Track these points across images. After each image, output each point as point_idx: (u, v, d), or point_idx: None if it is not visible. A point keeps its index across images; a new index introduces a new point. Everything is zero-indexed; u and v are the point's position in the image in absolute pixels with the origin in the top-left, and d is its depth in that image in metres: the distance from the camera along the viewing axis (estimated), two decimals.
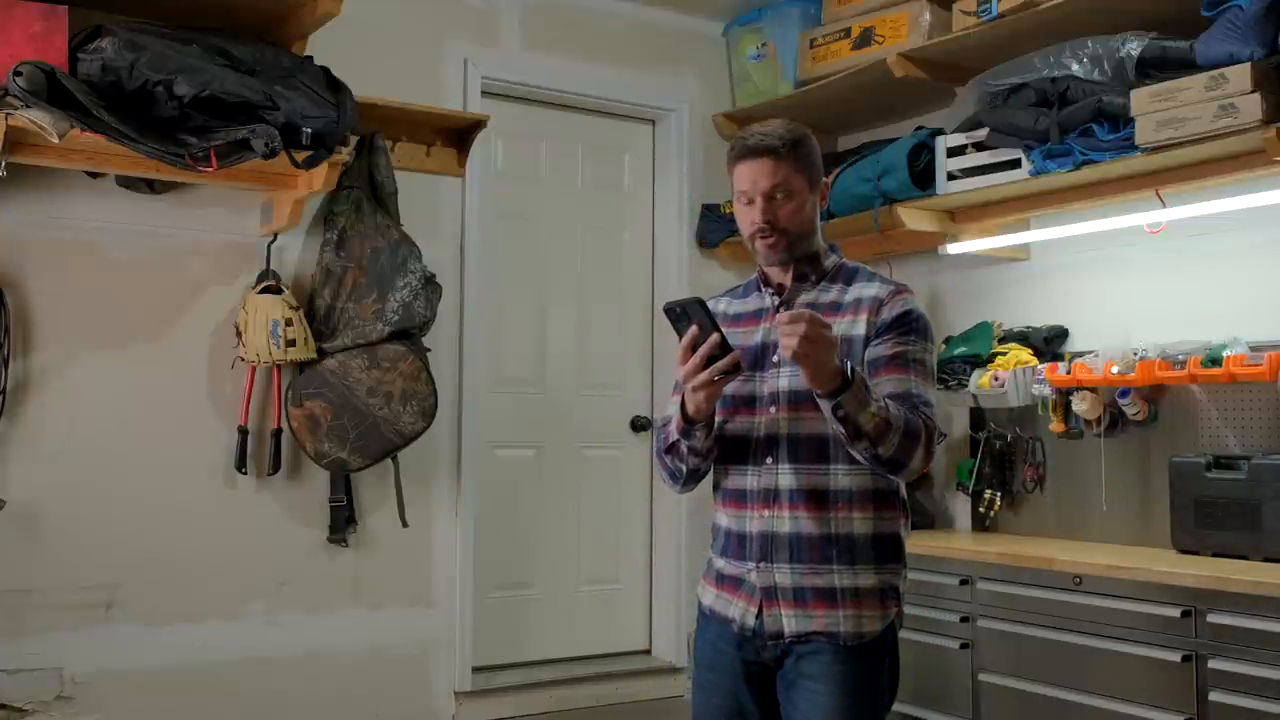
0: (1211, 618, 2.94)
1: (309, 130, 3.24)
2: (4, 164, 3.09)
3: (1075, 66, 3.35)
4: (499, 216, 4.36)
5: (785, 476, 2.08)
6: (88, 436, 3.50)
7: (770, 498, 2.09)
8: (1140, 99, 3.14)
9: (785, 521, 2.08)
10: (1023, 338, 3.95)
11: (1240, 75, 2.93)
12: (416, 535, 3.98)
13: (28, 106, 2.94)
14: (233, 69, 3.21)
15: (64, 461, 3.46)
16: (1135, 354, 3.46)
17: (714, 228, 4.60)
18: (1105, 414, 3.68)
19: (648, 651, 4.62)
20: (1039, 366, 3.78)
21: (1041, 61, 3.46)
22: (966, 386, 3.91)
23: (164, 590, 3.58)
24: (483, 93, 4.22)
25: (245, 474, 3.69)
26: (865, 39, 4.15)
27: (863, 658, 2.08)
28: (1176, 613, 3.01)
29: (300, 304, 3.66)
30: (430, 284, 3.78)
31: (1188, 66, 3.10)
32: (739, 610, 2.12)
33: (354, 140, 3.59)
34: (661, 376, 4.57)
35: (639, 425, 4.59)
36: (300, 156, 3.27)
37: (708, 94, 4.72)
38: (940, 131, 3.88)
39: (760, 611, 2.09)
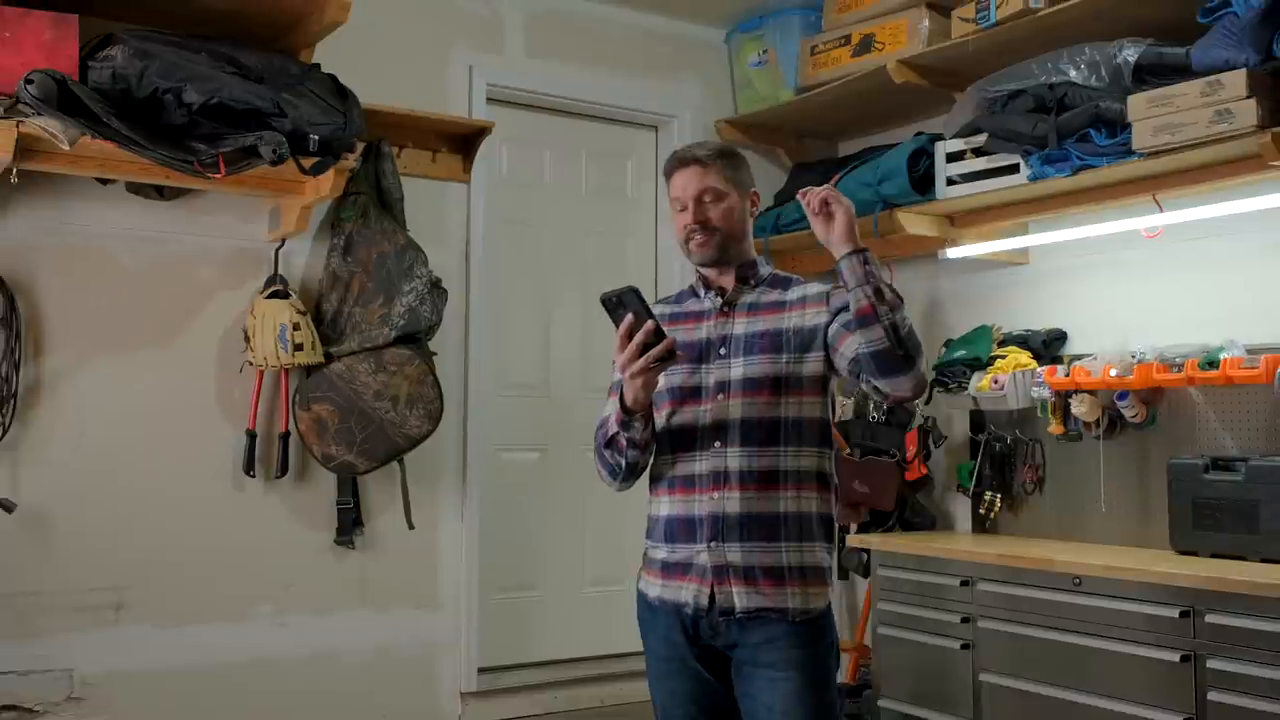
0: (1210, 618, 2.97)
1: (316, 137, 3.26)
2: (15, 171, 3.13)
3: (1073, 73, 3.38)
4: (503, 222, 4.39)
5: (735, 459, 2.15)
6: (98, 440, 3.53)
7: (720, 479, 2.16)
8: (1137, 104, 3.17)
9: (735, 502, 2.14)
10: (1022, 341, 3.97)
11: (1236, 81, 2.96)
12: (422, 537, 4.01)
13: (39, 114, 2.96)
14: (241, 77, 3.23)
15: (74, 465, 3.49)
16: (1133, 357, 3.48)
17: None
18: (1104, 416, 3.71)
19: None
20: (1038, 369, 3.81)
21: (1039, 68, 3.49)
22: (966, 389, 3.94)
23: (173, 592, 3.61)
24: (487, 99, 4.26)
25: (253, 477, 3.72)
26: (865, 46, 4.19)
27: (812, 638, 2.15)
28: (1175, 613, 3.03)
29: (308, 308, 3.70)
30: (436, 289, 3.81)
31: (1184, 72, 3.13)
32: (690, 593, 2.17)
33: (360, 147, 3.61)
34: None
35: None
36: (307, 163, 3.30)
37: (710, 100, 4.75)
38: (940, 137, 3.90)
39: (712, 591, 2.14)
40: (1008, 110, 3.60)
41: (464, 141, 4.07)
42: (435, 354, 3.84)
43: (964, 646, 3.60)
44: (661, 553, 2.24)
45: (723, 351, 2.22)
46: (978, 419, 4.16)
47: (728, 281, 2.29)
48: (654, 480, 2.28)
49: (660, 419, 2.22)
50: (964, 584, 3.62)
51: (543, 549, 4.47)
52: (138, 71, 3.08)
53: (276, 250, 3.76)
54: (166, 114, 3.11)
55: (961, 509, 4.28)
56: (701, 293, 2.32)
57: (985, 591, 3.56)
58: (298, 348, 3.60)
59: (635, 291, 2.06)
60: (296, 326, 3.60)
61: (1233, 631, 2.92)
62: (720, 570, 2.14)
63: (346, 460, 3.71)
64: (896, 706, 3.83)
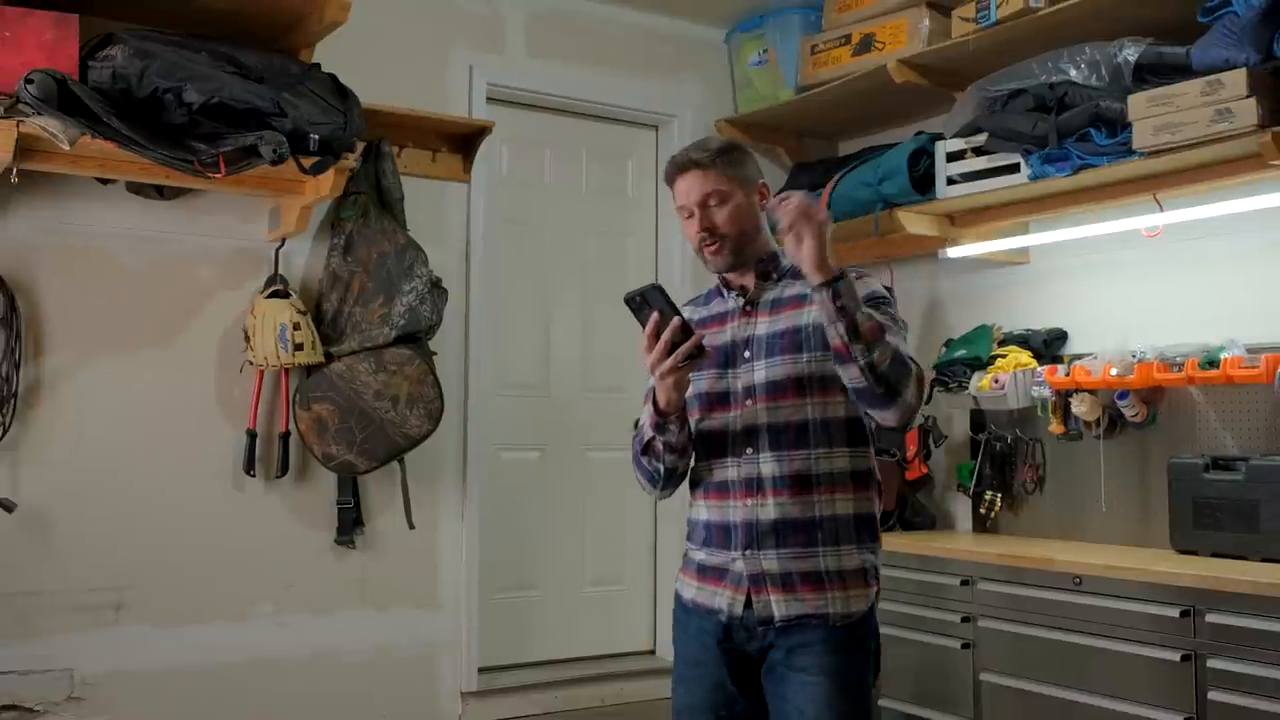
0: (1210, 617, 2.97)
1: (316, 137, 3.26)
2: (15, 171, 3.13)
3: (1073, 72, 3.38)
4: (504, 221, 4.40)
5: (767, 465, 2.13)
6: (98, 440, 3.53)
7: (753, 486, 2.14)
8: (1137, 104, 3.17)
9: (770, 508, 2.12)
10: (1022, 340, 3.98)
11: (1236, 80, 2.96)
12: (423, 537, 4.01)
13: (39, 114, 2.96)
14: (241, 76, 3.23)
15: (74, 465, 3.49)
16: (1133, 356, 3.49)
17: None
18: (1104, 416, 3.71)
19: (652, 652, 4.65)
20: (1038, 369, 3.81)
21: (1040, 67, 3.49)
22: (967, 389, 3.94)
23: (173, 592, 3.62)
24: (488, 99, 4.26)
25: (253, 476, 3.72)
26: (865, 45, 4.19)
27: (851, 643, 2.13)
28: (1175, 612, 3.03)
29: (308, 308, 3.70)
30: (436, 288, 3.81)
31: (1184, 72, 3.13)
32: (725, 600, 2.16)
33: (361, 146, 3.61)
34: None
35: None
36: (308, 163, 3.30)
37: (710, 100, 4.75)
38: (940, 136, 3.91)
39: (748, 599, 2.13)
40: (1008, 110, 3.60)
41: (464, 141, 4.07)
42: (435, 354, 3.84)
43: (964, 646, 3.60)
44: (700, 555, 2.23)
45: (747, 355, 2.19)
46: (978, 418, 4.16)
47: (749, 280, 2.25)
48: (693, 485, 2.26)
49: (691, 425, 2.19)
50: (964, 583, 3.63)
51: (542, 549, 4.47)
52: (138, 71, 3.07)
53: (277, 250, 3.76)
54: (166, 114, 3.11)
55: (962, 508, 4.28)
56: (725, 293, 2.29)
57: (986, 591, 3.56)
58: (298, 347, 3.60)
59: (659, 289, 2.03)
60: (297, 326, 3.60)
61: (1233, 631, 2.92)
62: (757, 578, 2.13)
63: (347, 460, 3.71)
64: (897, 706, 3.83)
